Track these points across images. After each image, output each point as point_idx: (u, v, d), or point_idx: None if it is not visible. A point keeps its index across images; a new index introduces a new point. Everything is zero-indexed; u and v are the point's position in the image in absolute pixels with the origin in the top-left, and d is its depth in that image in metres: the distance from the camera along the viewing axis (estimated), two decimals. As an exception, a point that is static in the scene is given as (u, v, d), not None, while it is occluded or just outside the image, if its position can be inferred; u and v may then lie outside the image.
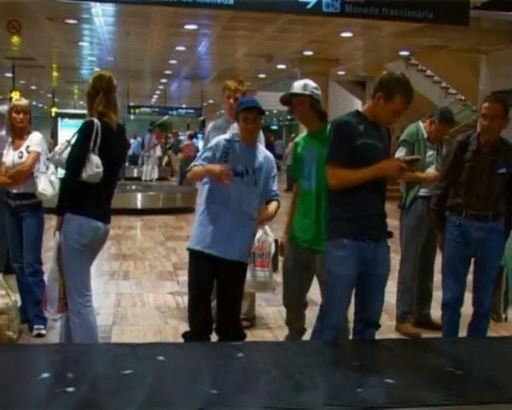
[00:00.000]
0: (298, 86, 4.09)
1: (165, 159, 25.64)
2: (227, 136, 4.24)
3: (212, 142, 4.21)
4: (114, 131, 4.07)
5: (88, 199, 4.01)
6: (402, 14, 8.34)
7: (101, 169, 3.94)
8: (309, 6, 8.00)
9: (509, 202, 4.39)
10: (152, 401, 2.63)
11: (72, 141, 4.08)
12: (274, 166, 4.24)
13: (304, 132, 4.31)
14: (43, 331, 5.19)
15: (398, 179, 3.61)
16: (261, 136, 4.73)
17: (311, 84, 4.11)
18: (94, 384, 2.81)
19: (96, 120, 3.98)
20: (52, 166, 5.02)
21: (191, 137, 23.00)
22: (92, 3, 11.17)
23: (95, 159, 3.92)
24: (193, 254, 4.16)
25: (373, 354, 3.46)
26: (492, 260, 4.42)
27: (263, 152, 4.23)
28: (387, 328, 5.68)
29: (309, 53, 16.01)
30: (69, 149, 4.08)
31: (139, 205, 14.04)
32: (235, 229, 4.04)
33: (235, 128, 4.83)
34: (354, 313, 3.74)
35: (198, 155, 4.27)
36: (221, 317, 4.19)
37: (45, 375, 2.88)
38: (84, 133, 3.98)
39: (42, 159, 5.11)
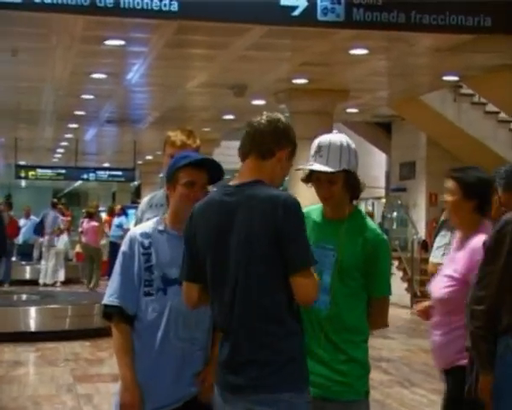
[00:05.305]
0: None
1: (77, 249, 25.60)
2: (146, 227, 4.18)
3: (123, 245, 4.15)
4: None
5: None
6: (442, 23, 8.53)
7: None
8: (296, 12, 8.18)
9: None
10: None
11: None
12: None
13: (315, 206, 4.29)
14: None
15: None
16: None
17: (346, 142, 4.10)
18: None
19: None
20: None
21: (91, 215, 22.58)
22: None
23: None
24: None
25: None
26: None
27: None
28: None
29: (302, 81, 16.29)
30: None
31: (33, 326, 13.94)
32: (181, 369, 4.08)
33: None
34: None
35: (113, 277, 4.16)
36: None
37: None
38: None
39: None
